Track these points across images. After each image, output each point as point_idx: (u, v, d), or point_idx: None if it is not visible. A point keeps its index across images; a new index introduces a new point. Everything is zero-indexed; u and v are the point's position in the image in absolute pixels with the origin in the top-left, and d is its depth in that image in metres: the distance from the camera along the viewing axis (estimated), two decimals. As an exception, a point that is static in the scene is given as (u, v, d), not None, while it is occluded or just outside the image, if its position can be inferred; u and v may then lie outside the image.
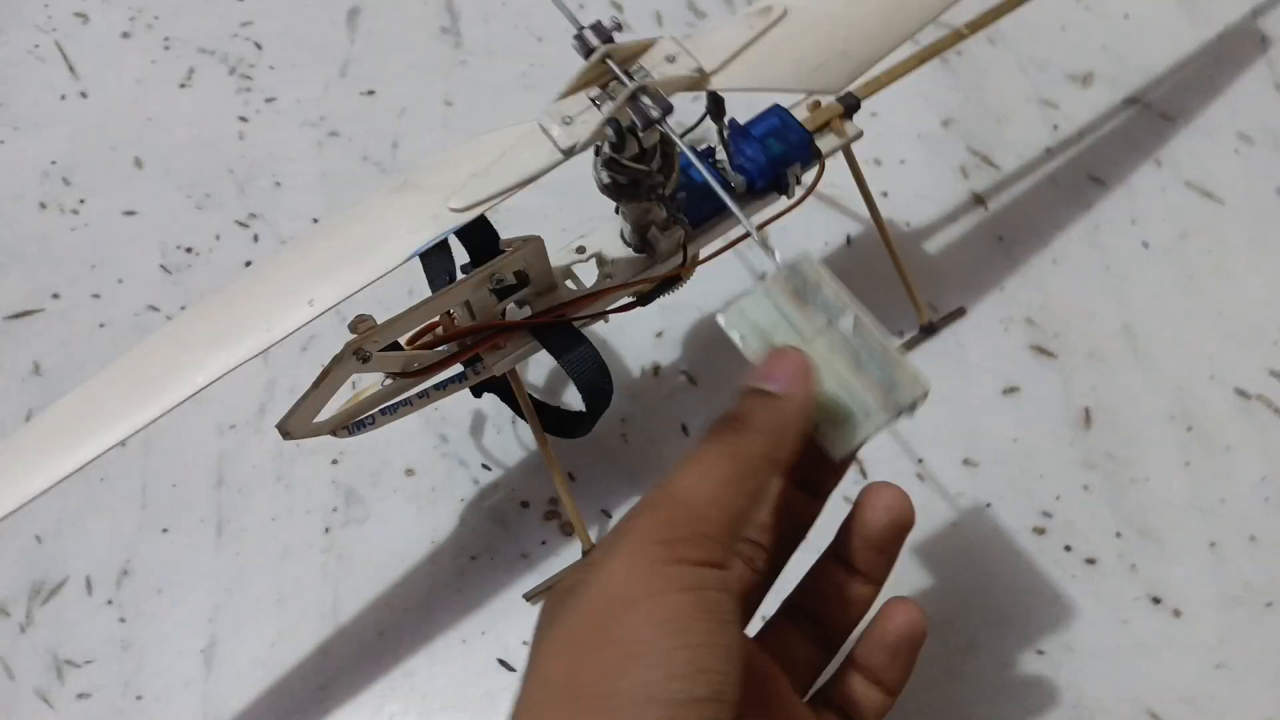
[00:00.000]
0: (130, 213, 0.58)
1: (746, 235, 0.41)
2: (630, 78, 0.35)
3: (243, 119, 0.60)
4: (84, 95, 0.62)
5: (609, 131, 0.36)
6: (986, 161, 0.55)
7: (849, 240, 0.53)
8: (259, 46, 0.62)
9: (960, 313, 0.51)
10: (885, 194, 0.54)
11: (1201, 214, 0.52)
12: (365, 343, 0.38)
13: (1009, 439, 0.48)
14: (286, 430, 0.39)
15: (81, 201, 0.59)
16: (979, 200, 0.54)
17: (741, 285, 0.52)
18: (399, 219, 0.34)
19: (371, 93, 0.60)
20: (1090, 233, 0.53)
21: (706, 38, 0.37)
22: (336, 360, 0.38)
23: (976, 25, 0.47)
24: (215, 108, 0.61)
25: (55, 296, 0.56)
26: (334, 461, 0.50)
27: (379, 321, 0.38)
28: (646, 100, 0.35)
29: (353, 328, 0.38)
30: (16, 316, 0.56)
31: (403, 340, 0.40)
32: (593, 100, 0.36)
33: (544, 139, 0.35)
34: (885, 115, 0.54)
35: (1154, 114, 0.55)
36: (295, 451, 0.51)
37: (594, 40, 0.36)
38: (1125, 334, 0.50)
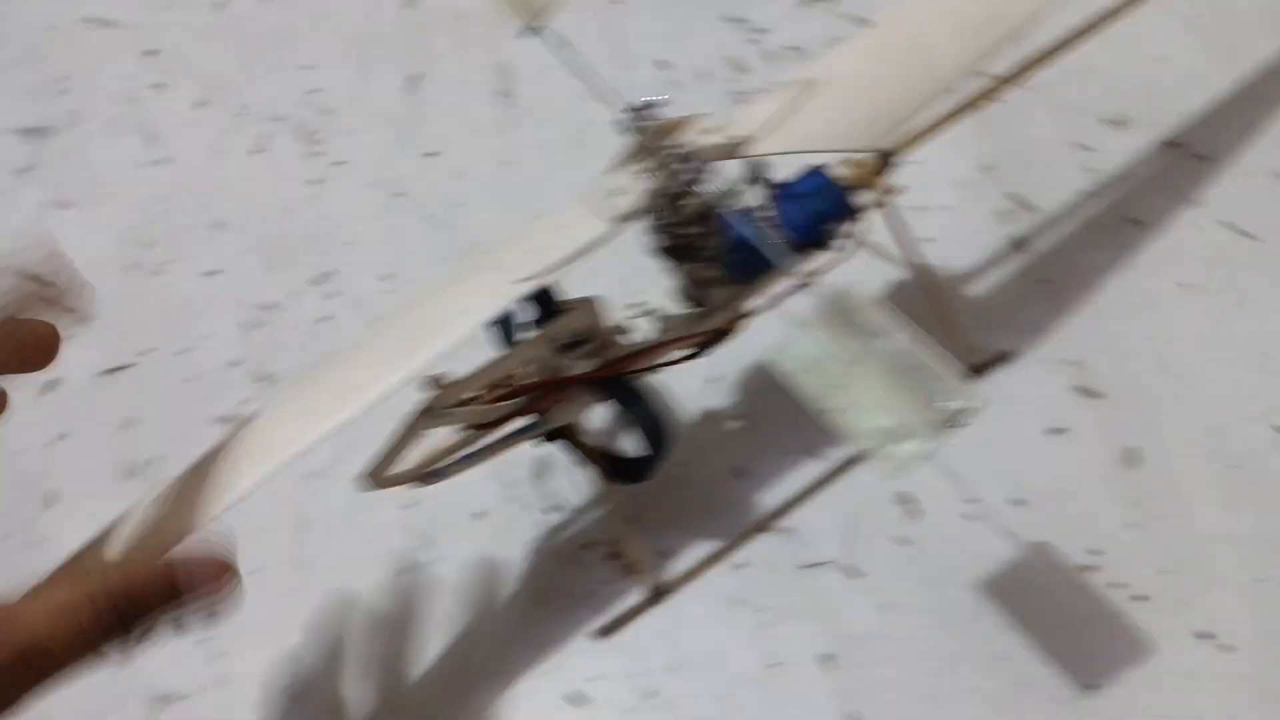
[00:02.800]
0: (210, 273, 0.62)
1: (797, 288, 0.44)
2: (674, 149, 0.38)
3: (313, 182, 0.64)
4: (162, 163, 0.66)
5: (656, 201, 0.38)
6: (1024, 205, 0.57)
7: (891, 288, 0.55)
8: (327, 113, 0.66)
9: (1006, 356, 0.53)
10: (925, 240, 0.56)
11: (1238, 252, 0.54)
12: (441, 399, 0.41)
13: (1056, 478, 0.50)
14: (368, 481, 0.42)
15: (163, 263, 0.62)
16: (1018, 244, 0.56)
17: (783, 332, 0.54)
18: (472, 294, 0.37)
19: (433, 155, 0.63)
20: (1129, 273, 0.54)
21: (746, 111, 0.40)
22: (414, 415, 0.41)
23: (1011, 78, 0.49)
24: (287, 172, 0.64)
25: (142, 353, 0.60)
26: (404, 508, 0.53)
27: (452, 379, 0.41)
28: (690, 169, 0.38)
29: (429, 386, 0.40)
30: (106, 373, 0.59)
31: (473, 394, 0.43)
32: (640, 172, 0.39)
33: (596, 213, 0.38)
34: (922, 163, 0.56)
35: (1188, 154, 0.56)
36: (368, 498, 0.53)
37: (638, 117, 0.38)
38: (1166, 372, 0.52)
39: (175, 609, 0.34)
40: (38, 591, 0.32)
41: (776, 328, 0.53)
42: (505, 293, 0.37)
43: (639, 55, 0.64)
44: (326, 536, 0.53)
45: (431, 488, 0.44)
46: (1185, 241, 0.54)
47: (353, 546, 0.52)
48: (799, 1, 0.64)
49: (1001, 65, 0.49)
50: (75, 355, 0.60)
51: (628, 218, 0.37)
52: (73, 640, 0.31)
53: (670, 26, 0.65)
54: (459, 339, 0.36)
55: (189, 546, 0.34)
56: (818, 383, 0.32)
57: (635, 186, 0.38)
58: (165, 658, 0.49)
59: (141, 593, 0.33)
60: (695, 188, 0.37)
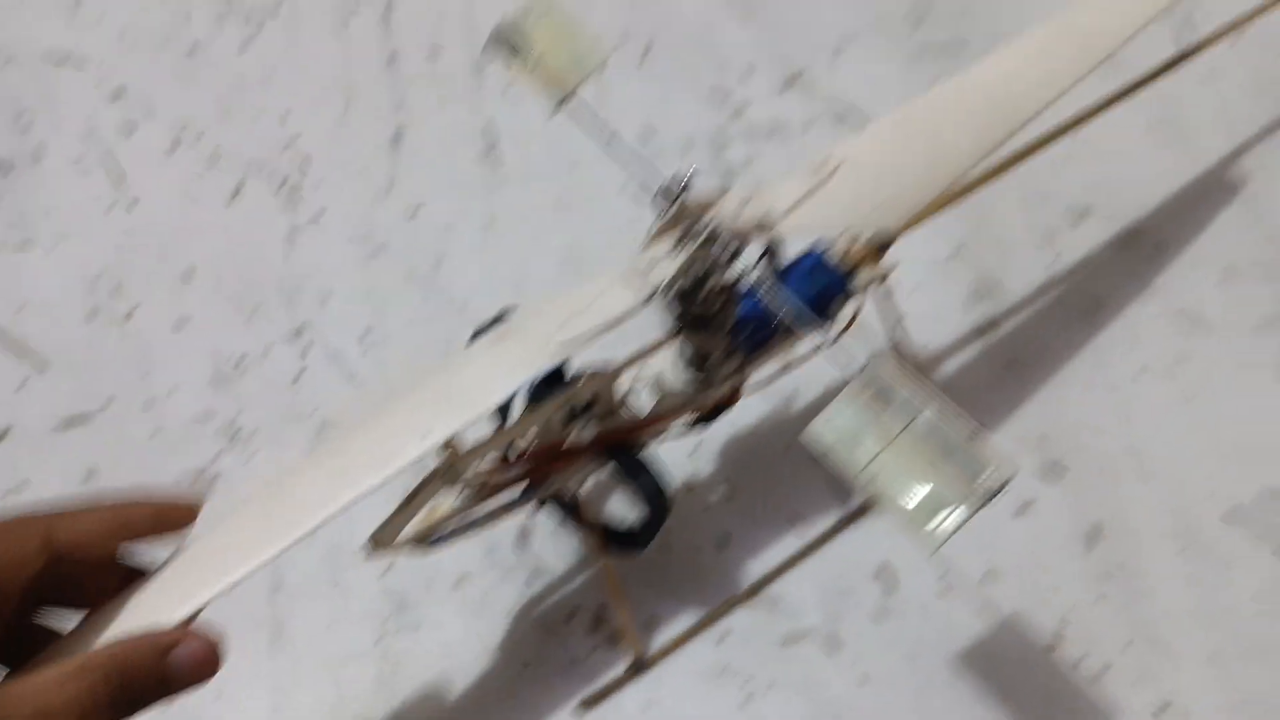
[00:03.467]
0: (179, 322, 0.60)
1: (805, 358, 0.45)
2: (709, 227, 0.39)
3: (290, 234, 0.63)
4: (131, 206, 0.65)
5: (688, 275, 0.39)
6: (994, 288, 0.59)
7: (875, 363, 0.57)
8: (305, 164, 0.65)
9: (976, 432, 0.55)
10: (902, 317, 0.58)
11: (1194, 341, 0.57)
12: (454, 463, 0.40)
13: (1026, 553, 0.52)
14: (374, 545, 0.42)
15: (131, 310, 0.61)
16: (989, 325, 0.58)
17: (775, 407, 0.55)
18: (503, 360, 0.37)
19: (415, 212, 0.63)
20: (1094, 355, 0.57)
21: (771, 190, 0.41)
22: (427, 480, 0.41)
23: (995, 172, 0.52)
24: (263, 221, 0.63)
25: (107, 404, 0.58)
26: (386, 570, 0.52)
27: (466, 445, 0.40)
28: (722, 246, 0.39)
29: (442, 450, 0.40)
30: (69, 423, 0.57)
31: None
32: (673, 247, 0.39)
33: (628, 285, 0.39)
34: (900, 244, 0.58)
35: (1148, 245, 0.60)
36: (348, 559, 0.52)
37: (672, 192, 0.39)
38: (1130, 453, 0.54)
39: (168, 694, 0.34)
40: (32, 674, 0.31)
41: (765, 403, 0.55)
42: (539, 360, 0.37)
43: (622, 125, 0.65)
44: (305, 599, 0.51)
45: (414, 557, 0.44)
46: (1145, 328, 0.57)
47: (332, 609, 0.51)
48: (780, 83, 0.66)
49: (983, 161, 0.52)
50: (32, 403, 0.58)
51: (659, 291, 0.38)
52: None
53: (655, 96, 0.66)
54: (492, 404, 0.37)
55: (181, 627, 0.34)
56: (856, 455, 0.33)
57: (669, 261, 0.38)
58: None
59: (136, 680, 0.32)
60: (725, 265, 0.38)
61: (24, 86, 0.70)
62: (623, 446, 0.45)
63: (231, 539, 0.36)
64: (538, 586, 0.52)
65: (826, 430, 0.34)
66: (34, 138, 0.67)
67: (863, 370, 0.34)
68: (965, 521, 0.32)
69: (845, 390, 0.34)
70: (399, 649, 0.50)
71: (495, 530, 0.53)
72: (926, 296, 0.59)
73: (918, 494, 0.32)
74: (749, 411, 0.55)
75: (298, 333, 0.60)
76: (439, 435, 0.36)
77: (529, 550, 0.53)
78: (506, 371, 0.38)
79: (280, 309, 0.60)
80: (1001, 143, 0.44)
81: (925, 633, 0.50)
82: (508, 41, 0.44)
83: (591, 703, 0.49)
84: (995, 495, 0.32)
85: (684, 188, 0.39)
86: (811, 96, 0.66)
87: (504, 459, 0.44)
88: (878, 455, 0.33)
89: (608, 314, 0.38)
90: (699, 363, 0.46)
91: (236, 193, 0.65)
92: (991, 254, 0.60)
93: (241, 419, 0.57)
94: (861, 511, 0.53)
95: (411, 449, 0.36)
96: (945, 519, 0.32)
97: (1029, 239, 0.60)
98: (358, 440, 0.37)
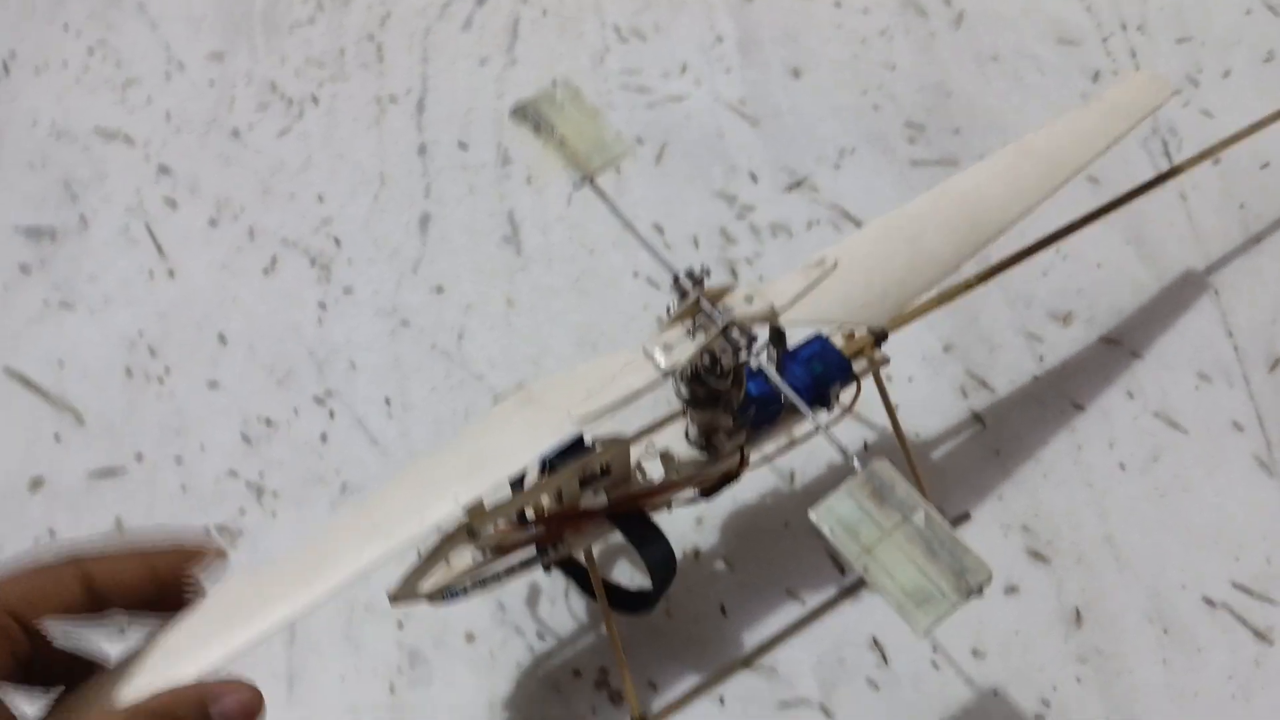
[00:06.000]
0: (213, 384, 0.64)
1: (805, 437, 0.49)
2: (721, 314, 0.43)
3: (322, 305, 0.67)
4: (171, 275, 0.69)
5: (704, 357, 0.43)
6: (982, 383, 0.63)
7: (866, 447, 0.60)
8: (338, 242, 0.70)
9: (965, 517, 0.58)
10: (895, 406, 0.62)
11: (1168, 440, 0.61)
12: (475, 522, 0.43)
13: (1011, 632, 0.55)
14: (394, 596, 0.44)
15: (167, 370, 0.64)
16: (977, 418, 0.62)
17: (777, 483, 0.58)
18: (527, 428, 0.41)
19: (440, 289, 0.67)
20: (1074, 451, 0.60)
21: (774, 284, 0.45)
22: (449, 537, 0.44)
23: (983, 277, 0.56)
24: (296, 294, 0.67)
25: (139, 458, 0.61)
26: (399, 625, 0.55)
27: (488, 504, 0.43)
28: (735, 333, 0.43)
29: (467, 510, 0.43)
30: (101, 474, 0.60)
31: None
32: (688, 331, 0.43)
33: (647, 363, 0.42)
34: (895, 339, 0.62)
35: (1125, 350, 0.64)
36: (363, 614, 0.55)
37: (689, 283, 0.43)
38: (1107, 543, 0.57)
39: None
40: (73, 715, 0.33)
41: (767, 480, 0.58)
42: (561, 429, 0.41)
43: (636, 218, 0.70)
44: (321, 650, 0.54)
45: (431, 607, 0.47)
46: (1124, 427, 0.61)
47: (346, 662, 0.53)
48: (784, 186, 0.71)
49: (974, 266, 0.56)
50: (65, 456, 0.61)
51: (676, 369, 0.42)
52: None
53: (667, 196, 0.71)
54: (516, 469, 0.40)
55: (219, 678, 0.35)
56: (854, 542, 0.37)
57: (684, 344, 0.42)
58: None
59: None
60: (739, 348, 0.42)
61: (74, 160, 0.74)
62: (632, 513, 0.49)
63: (263, 589, 0.38)
64: (545, 646, 0.54)
65: (828, 516, 0.38)
66: (81, 207, 0.72)
67: (864, 468, 0.38)
68: (950, 612, 0.36)
69: (846, 483, 0.38)
70: (410, 702, 0.52)
71: (506, 590, 0.55)
72: (920, 388, 0.63)
73: (908, 583, 0.36)
74: (752, 487, 0.58)
75: (325, 398, 0.63)
76: (466, 496, 0.39)
77: (538, 610, 0.55)
78: (530, 439, 0.41)
79: (309, 376, 0.64)
80: (978, 250, 0.49)
81: (916, 705, 0.53)
82: (532, 117, 0.49)
83: (592, 760, 0.51)
84: (976, 593, 0.36)
85: (701, 279, 0.43)
86: (813, 201, 0.71)
87: (520, 519, 0.47)
88: (874, 545, 0.37)
89: (627, 388, 0.42)
90: (706, 437, 0.49)
91: (271, 267, 0.69)
92: (979, 351, 0.64)
93: (267, 479, 0.60)
94: (856, 587, 0.56)
95: (439, 509, 0.39)
96: (933, 608, 0.36)
97: (1014, 339, 0.64)
98: (387, 501, 0.40)
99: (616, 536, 0.49)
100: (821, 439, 0.42)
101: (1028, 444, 0.61)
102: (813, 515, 0.38)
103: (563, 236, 0.69)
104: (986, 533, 0.58)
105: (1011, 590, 0.56)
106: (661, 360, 0.42)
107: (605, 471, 0.47)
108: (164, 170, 0.74)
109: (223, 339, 0.66)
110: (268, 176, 0.73)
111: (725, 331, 0.42)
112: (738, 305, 0.44)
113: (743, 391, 0.47)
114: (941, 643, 0.54)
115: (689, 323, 0.43)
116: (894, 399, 0.58)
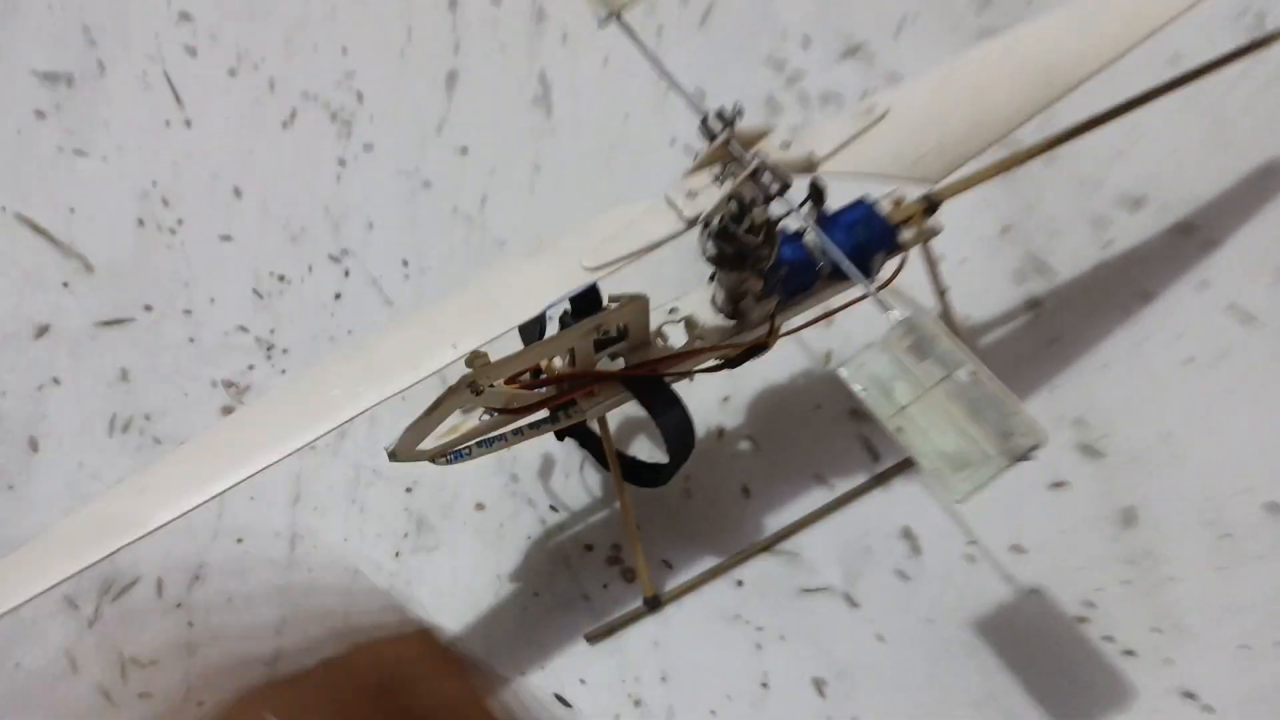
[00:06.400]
0: (226, 238, 0.61)
1: (845, 305, 0.45)
2: (754, 159, 0.38)
3: (341, 162, 0.63)
4: (188, 124, 0.66)
5: (732, 204, 0.39)
6: (1040, 268, 0.58)
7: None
8: (360, 97, 0.66)
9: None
10: (945, 289, 0.57)
11: (1240, 337, 0.56)
12: (479, 376, 0.40)
13: (1055, 530, 0.51)
14: (394, 452, 0.42)
15: (179, 222, 0.62)
16: (1033, 303, 0.57)
17: (809, 364, 0.55)
18: (536, 276, 0.37)
19: (464, 150, 0.64)
20: (1138, 343, 0.56)
21: (817, 129, 0.41)
22: (451, 390, 0.41)
23: (1053, 143, 0.51)
24: (315, 149, 0.64)
25: (147, 309, 0.59)
26: (408, 490, 0.52)
27: (493, 359, 0.40)
28: (767, 177, 0.38)
29: (469, 362, 0.40)
30: (108, 324, 0.58)
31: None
32: (715, 177, 0.39)
33: (670, 210, 0.39)
34: (948, 216, 0.57)
35: (1201, 239, 0.58)
36: (371, 476, 0.53)
37: (718, 124, 0.39)
38: (1167, 441, 0.53)
39: None
40: None
41: (799, 359, 0.55)
42: (576, 278, 0.37)
43: (679, 80, 0.65)
44: (325, 511, 0.52)
45: (436, 469, 0.44)
46: (1194, 320, 0.56)
47: (350, 524, 0.51)
48: (838, 54, 0.66)
49: (1039, 134, 0.51)
50: (73, 303, 0.59)
51: (701, 218, 0.38)
52: None
53: (711, 61, 0.66)
54: (520, 317, 0.37)
55: None
56: (888, 400, 0.33)
57: (710, 190, 0.38)
58: (140, 621, 0.48)
59: None
60: (770, 195, 0.38)
61: (94, 2, 0.71)
62: (651, 380, 0.45)
63: (258, 429, 0.36)
64: (557, 519, 0.52)
65: (859, 373, 0.34)
66: (99, 52, 0.68)
67: (904, 321, 0.34)
68: (993, 478, 0.32)
69: (883, 336, 0.34)
70: (413, 566, 0.50)
71: (519, 462, 0.53)
72: (973, 270, 0.58)
73: (947, 445, 0.32)
74: (783, 366, 0.54)
75: (341, 257, 0.60)
76: (467, 345, 0.36)
77: (551, 483, 0.53)
78: (539, 287, 0.37)
79: (325, 233, 0.61)
80: (1047, 105, 0.44)
81: (947, 599, 0.49)
82: None
83: (597, 636, 0.48)
84: (1024, 458, 0.32)
85: (733, 120, 0.39)
86: (869, 68, 0.65)
87: (532, 378, 0.44)
88: (909, 404, 0.33)
89: (646, 237, 0.38)
90: (734, 303, 0.45)
91: (291, 120, 0.65)
92: (1041, 235, 0.59)
93: (277, 335, 0.58)
94: (891, 474, 0.52)
95: (440, 356, 0.36)
96: (973, 474, 0.32)
97: (1080, 223, 0.59)
98: (387, 344, 0.37)
99: (635, 409, 0.46)
100: (860, 312, 0.38)
101: (1087, 334, 0.56)
102: (843, 372, 0.34)
103: (596, 100, 0.65)
104: (1035, 425, 0.54)
105: (1058, 485, 0.52)
106: (684, 207, 0.38)
107: (622, 333, 0.44)
108: (185, 16, 0.70)
109: (237, 192, 0.63)
110: (291, 26, 0.69)
111: (755, 175, 0.38)
112: (773, 151, 0.40)
113: (774, 252, 0.43)
114: (979, 535, 0.51)
115: (718, 168, 0.39)
116: (946, 281, 0.54)
